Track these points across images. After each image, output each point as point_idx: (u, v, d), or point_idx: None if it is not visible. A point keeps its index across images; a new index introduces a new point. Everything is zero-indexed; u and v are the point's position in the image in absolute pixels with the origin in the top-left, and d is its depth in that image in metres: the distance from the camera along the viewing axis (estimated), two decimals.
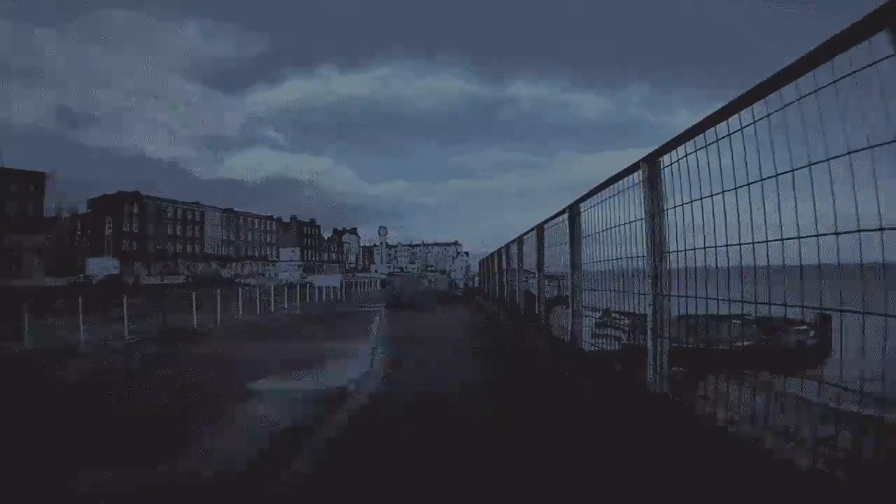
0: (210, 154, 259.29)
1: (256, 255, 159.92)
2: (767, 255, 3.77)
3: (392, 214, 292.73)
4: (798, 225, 3.45)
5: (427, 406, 9.93)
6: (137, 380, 13.90)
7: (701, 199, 4.65)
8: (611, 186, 7.06)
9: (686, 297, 4.99)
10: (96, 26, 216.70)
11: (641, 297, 5.87)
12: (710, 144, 4.50)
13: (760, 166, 3.83)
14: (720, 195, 4.36)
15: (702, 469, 4.39)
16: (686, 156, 4.93)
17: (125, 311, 20.96)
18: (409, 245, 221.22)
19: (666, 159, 5.41)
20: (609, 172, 7.00)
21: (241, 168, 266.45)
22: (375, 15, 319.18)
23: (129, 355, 17.30)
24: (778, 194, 3.68)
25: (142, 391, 12.25)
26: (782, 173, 3.61)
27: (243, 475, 6.62)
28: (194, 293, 27.33)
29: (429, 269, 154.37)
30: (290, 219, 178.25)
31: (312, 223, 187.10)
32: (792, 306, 3.67)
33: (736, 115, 4.14)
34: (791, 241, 3.53)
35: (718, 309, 4.46)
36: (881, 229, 2.85)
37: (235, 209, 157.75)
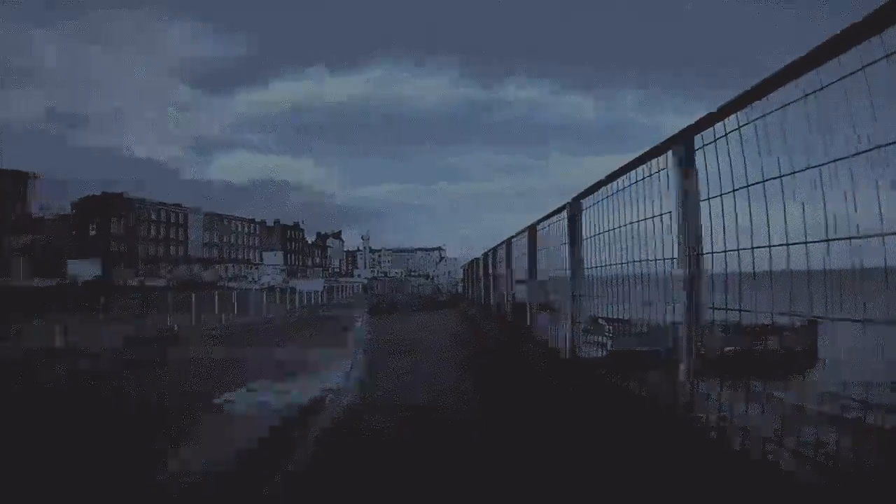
0: (196, 155, 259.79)
1: (240, 258, 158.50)
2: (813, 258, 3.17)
3: (380, 217, 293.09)
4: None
5: (405, 427, 8.84)
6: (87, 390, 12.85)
7: (748, 186, 3.75)
8: (621, 178, 6.04)
9: (735, 309, 3.89)
10: (85, 27, 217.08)
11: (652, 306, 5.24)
12: (759, 118, 3.64)
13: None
14: (760, 184, 3.63)
15: None
16: (726, 134, 4.03)
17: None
18: (393, 250, 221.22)
19: (699, 139, 4.44)
20: (603, 175, 6.54)
21: (227, 170, 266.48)
22: (367, 16, 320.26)
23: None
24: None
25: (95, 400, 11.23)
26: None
27: None
28: (170, 297, 26.57)
29: (412, 274, 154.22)
30: (274, 222, 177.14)
31: (296, 227, 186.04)
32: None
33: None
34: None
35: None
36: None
37: (219, 212, 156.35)
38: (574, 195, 8.15)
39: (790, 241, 3.32)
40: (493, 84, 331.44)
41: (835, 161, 2.90)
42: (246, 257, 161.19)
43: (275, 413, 9.73)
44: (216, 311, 31.05)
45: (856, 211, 2.78)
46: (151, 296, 29.82)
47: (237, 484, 6.24)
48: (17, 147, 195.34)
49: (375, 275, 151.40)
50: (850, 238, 2.84)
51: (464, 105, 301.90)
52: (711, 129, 4.23)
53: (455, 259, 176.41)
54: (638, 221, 5.51)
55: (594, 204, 7.21)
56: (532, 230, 11.55)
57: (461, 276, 48.37)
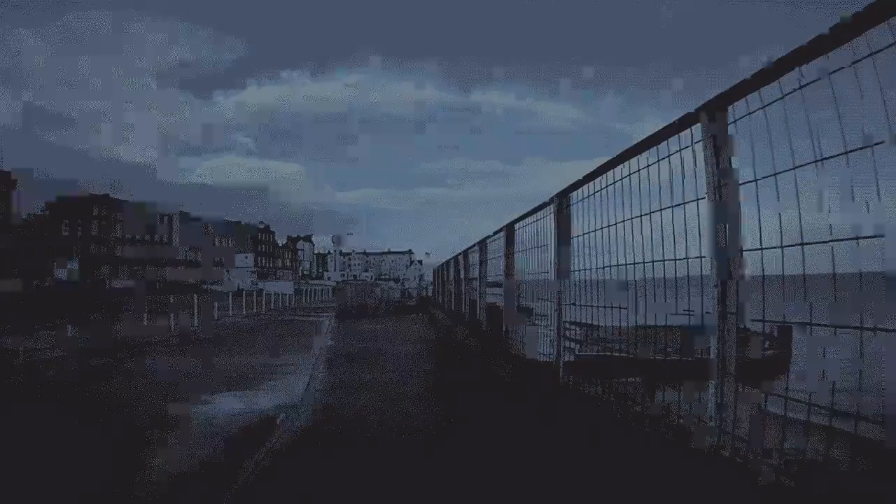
0: (180, 159, 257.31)
1: (217, 260, 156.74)
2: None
3: (357, 222, 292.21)
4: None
5: (365, 450, 7.84)
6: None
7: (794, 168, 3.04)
8: (625, 163, 5.18)
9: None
10: (68, 27, 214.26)
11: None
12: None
13: None
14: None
15: None
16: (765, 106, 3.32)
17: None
18: (364, 253, 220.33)
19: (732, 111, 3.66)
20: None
21: (210, 173, 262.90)
22: (348, 22, 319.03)
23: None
24: None
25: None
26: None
27: None
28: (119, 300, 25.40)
29: (382, 277, 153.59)
30: (246, 225, 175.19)
31: (267, 229, 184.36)
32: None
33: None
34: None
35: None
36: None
37: (192, 214, 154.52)
38: (561, 188, 7.28)
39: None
40: (471, 90, 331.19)
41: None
42: (219, 259, 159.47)
43: (207, 440, 8.64)
44: (175, 315, 29.85)
45: None
46: (125, 298, 28.43)
47: None
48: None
49: (346, 278, 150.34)
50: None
51: (441, 111, 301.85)
52: (744, 100, 3.49)
53: (421, 263, 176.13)
54: (649, 214, 4.59)
55: (588, 196, 6.28)
56: (510, 229, 10.65)
57: (431, 279, 47.29)
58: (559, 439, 6.24)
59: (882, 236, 2.49)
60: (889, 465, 2.74)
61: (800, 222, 3.00)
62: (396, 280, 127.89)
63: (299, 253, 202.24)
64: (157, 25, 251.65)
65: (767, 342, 17.23)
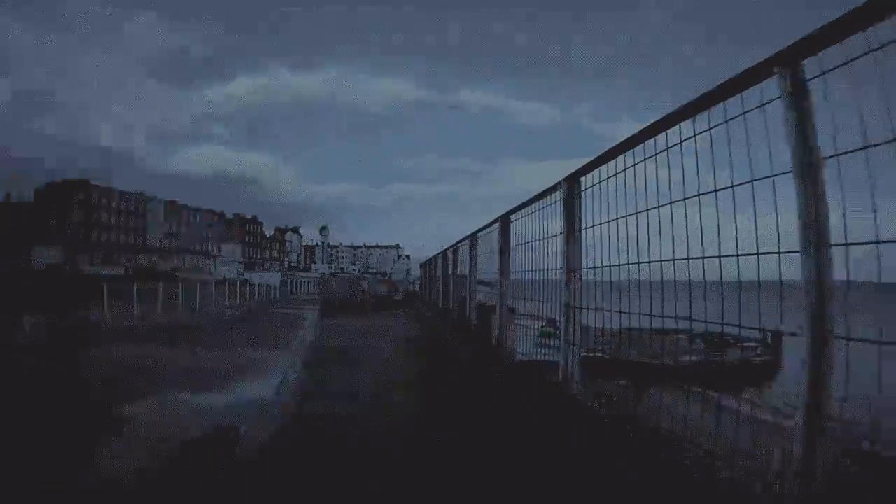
0: (159, 147, 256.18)
1: (199, 249, 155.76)
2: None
3: (336, 215, 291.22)
4: None
5: (339, 469, 6.73)
6: None
7: None
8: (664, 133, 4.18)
9: None
10: (50, 14, 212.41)
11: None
12: None
13: None
14: None
15: None
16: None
17: None
18: (351, 246, 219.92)
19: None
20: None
21: (189, 162, 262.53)
22: (328, 16, 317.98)
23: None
24: None
25: None
26: None
27: None
28: (105, 286, 24.34)
29: (369, 270, 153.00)
30: (234, 215, 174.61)
31: (255, 220, 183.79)
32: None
33: None
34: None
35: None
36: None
37: (180, 202, 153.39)
38: (572, 171, 6.25)
39: None
40: (448, 88, 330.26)
41: None
42: (205, 249, 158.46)
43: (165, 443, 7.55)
44: (159, 303, 28.91)
45: None
46: (100, 285, 27.45)
47: None
48: None
49: (333, 270, 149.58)
50: None
51: (418, 107, 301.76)
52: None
53: (409, 257, 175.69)
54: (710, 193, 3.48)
55: (607, 178, 5.21)
56: (505, 221, 9.52)
57: (418, 274, 46.27)
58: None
59: None
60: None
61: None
62: (383, 274, 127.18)
63: (287, 244, 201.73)
64: (138, 14, 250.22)
65: (760, 348, 16.94)
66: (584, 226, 6.05)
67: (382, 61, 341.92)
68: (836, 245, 2.60)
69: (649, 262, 4.21)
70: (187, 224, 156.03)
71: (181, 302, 31.43)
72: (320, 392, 11.49)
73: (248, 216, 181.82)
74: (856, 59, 2.47)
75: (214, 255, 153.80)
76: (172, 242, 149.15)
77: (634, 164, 4.70)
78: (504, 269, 9.53)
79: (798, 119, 2.70)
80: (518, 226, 8.89)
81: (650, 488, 3.91)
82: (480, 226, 11.00)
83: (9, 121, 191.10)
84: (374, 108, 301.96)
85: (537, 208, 7.63)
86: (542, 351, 7.52)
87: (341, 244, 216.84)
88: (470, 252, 13.00)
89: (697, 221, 3.55)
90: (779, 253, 2.87)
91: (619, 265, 4.87)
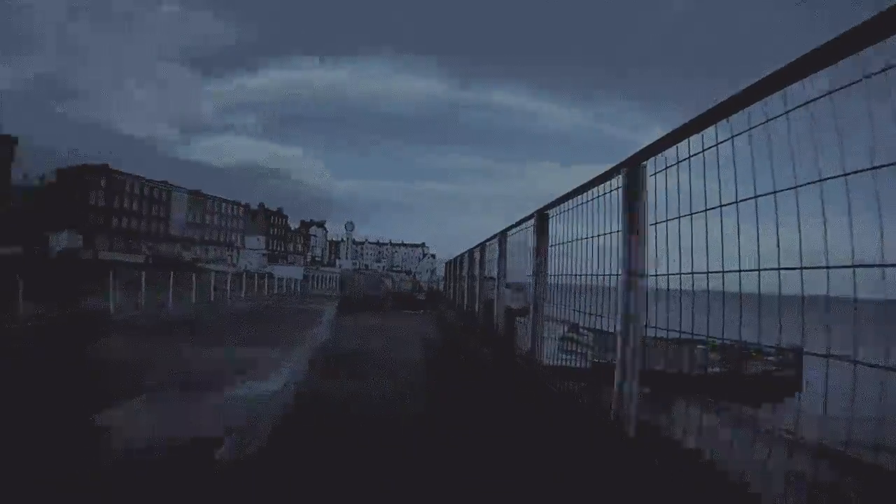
0: (183, 136, 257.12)
1: (222, 240, 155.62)
2: None
3: (362, 211, 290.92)
4: None
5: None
6: None
7: None
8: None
9: None
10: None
11: None
12: None
13: None
14: None
15: None
16: None
17: None
18: (377, 243, 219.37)
19: None
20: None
21: (213, 152, 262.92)
22: (358, 10, 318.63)
23: None
24: None
25: None
26: None
27: None
28: (110, 274, 23.31)
29: (394, 268, 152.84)
30: (258, 206, 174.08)
31: (280, 212, 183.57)
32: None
33: None
34: None
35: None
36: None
37: (204, 192, 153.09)
38: (634, 153, 5.03)
39: None
40: (477, 87, 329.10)
41: None
42: (228, 240, 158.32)
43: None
44: (170, 294, 27.91)
45: None
46: (114, 272, 26.62)
47: None
48: (3, 114, 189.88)
49: (357, 267, 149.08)
50: None
51: (445, 106, 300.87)
52: None
53: (434, 257, 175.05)
54: None
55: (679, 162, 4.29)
56: (541, 216, 8.20)
57: (443, 273, 45.07)
58: None
59: None
60: None
61: None
62: (408, 272, 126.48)
63: (312, 238, 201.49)
64: (167, 4, 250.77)
65: (780, 364, 16.17)
66: (650, 221, 4.84)
67: (412, 59, 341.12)
68: None
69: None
70: (211, 214, 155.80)
71: (194, 293, 30.35)
72: (324, 399, 10.15)
73: (274, 209, 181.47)
74: None
75: (238, 247, 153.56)
76: (195, 232, 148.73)
77: (718, 143, 3.71)
78: (539, 271, 8.18)
79: None
80: (558, 223, 7.57)
81: None
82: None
83: (32, 105, 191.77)
84: (404, 105, 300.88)
85: (584, 201, 6.40)
86: (564, 357, 7.25)
87: (367, 240, 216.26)
88: (499, 251, 11.67)
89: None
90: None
91: (706, 272, 3.73)
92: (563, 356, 7.32)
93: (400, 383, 11.62)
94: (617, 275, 5.12)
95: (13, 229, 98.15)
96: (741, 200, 3.33)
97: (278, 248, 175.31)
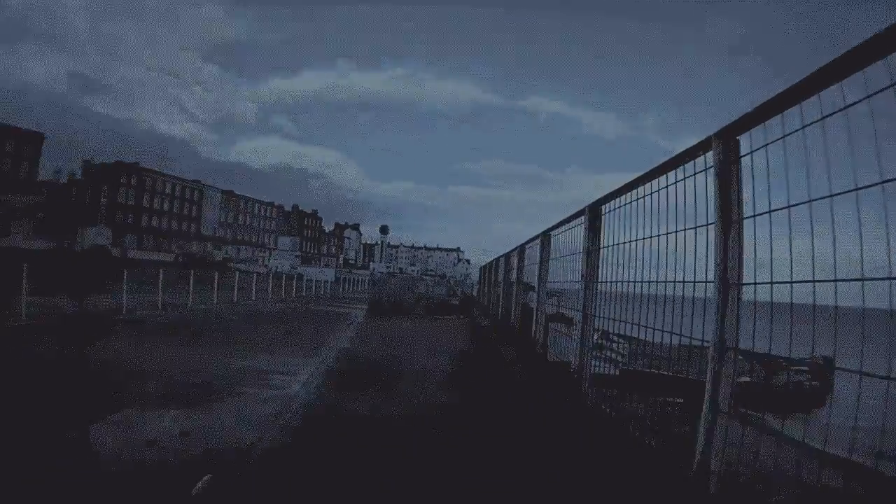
0: (220, 136, 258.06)
1: (254, 241, 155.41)
2: None
3: (397, 214, 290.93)
4: None
5: None
6: None
7: None
8: None
9: None
10: None
11: None
12: None
13: None
14: None
15: None
16: None
17: None
18: (412, 247, 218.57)
19: None
20: None
21: (249, 153, 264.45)
22: (396, 14, 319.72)
23: None
24: None
25: None
26: None
27: None
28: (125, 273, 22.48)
29: (428, 272, 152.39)
30: (292, 208, 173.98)
31: (314, 214, 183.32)
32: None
33: None
34: None
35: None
36: None
37: (237, 192, 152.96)
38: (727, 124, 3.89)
39: None
40: (516, 93, 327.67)
41: None
42: (260, 241, 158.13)
43: None
44: (189, 293, 27.06)
45: None
46: (139, 270, 25.89)
47: None
48: (39, 111, 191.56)
49: (391, 270, 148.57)
50: None
51: (484, 111, 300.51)
52: None
53: (468, 262, 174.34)
54: None
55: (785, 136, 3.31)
56: (594, 212, 6.95)
57: (477, 279, 43.87)
58: None
59: None
60: None
61: None
62: (442, 276, 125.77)
63: (345, 241, 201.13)
64: (207, 4, 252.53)
65: (809, 375, 17.04)
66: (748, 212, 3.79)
67: (450, 63, 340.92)
68: None
69: None
70: (244, 214, 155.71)
71: (215, 294, 29.37)
72: (337, 416, 8.87)
73: (308, 210, 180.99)
74: None
75: (270, 248, 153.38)
76: (227, 232, 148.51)
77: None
78: (589, 276, 6.89)
79: None
80: (614, 219, 6.38)
81: None
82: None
83: (66, 102, 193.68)
84: (442, 109, 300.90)
85: (649, 191, 5.24)
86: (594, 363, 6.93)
87: (401, 244, 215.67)
88: (540, 254, 10.37)
89: None
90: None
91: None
92: (594, 363, 6.87)
93: (424, 401, 10.29)
94: (697, 282, 4.11)
95: (42, 225, 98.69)
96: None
97: (312, 250, 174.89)
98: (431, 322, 29.71)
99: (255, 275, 40.10)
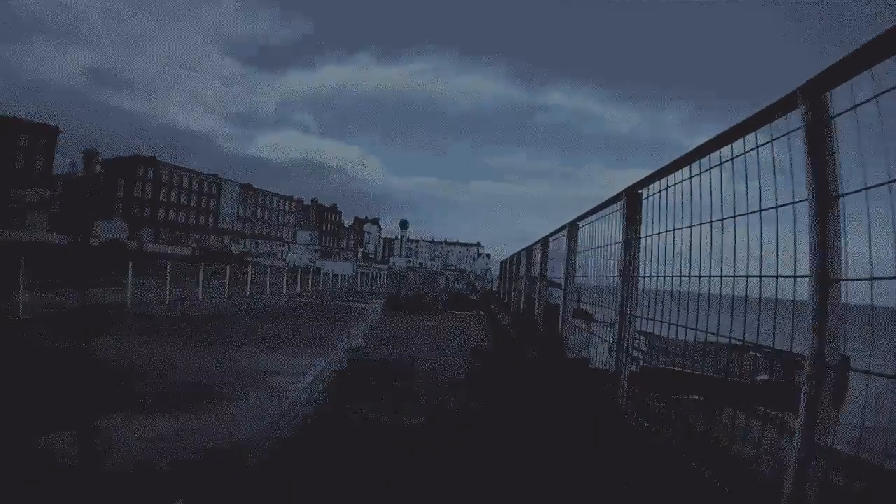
0: (239, 131, 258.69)
1: (273, 234, 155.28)
2: None
3: (417, 209, 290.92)
4: None
5: None
6: None
7: None
8: None
9: None
10: None
11: None
12: None
13: None
14: None
15: None
16: None
17: None
18: (432, 241, 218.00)
19: None
20: None
21: (269, 147, 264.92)
22: (416, 8, 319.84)
23: None
24: None
25: None
26: None
27: None
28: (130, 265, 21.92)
29: (448, 267, 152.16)
30: (312, 202, 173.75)
31: (334, 208, 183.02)
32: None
33: None
34: None
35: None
36: None
37: (255, 186, 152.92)
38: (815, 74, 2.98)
39: None
40: (537, 88, 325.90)
41: None
42: (279, 234, 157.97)
43: None
44: (200, 288, 26.58)
45: None
46: (155, 263, 25.38)
47: None
48: (59, 105, 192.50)
49: (411, 264, 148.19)
50: None
51: (505, 106, 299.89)
52: None
53: (489, 257, 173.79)
54: None
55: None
56: (633, 196, 5.95)
57: (497, 274, 43.05)
58: None
59: None
60: None
61: None
62: (462, 271, 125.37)
63: (365, 235, 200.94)
64: None
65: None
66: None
67: (471, 59, 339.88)
68: None
69: None
70: (262, 208, 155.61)
71: (227, 287, 28.70)
72: (340, 424, 7.98)
73: (328, 204, 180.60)
74: None
75: (289, 242, 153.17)
76: (245, 226, 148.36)
77: None
78: (628, 270, 5.96)
79: None
80: (658, 203, 5.28)
81: None
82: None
83: (84, 97, 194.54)
84: (459, 104, 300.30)
85: (706, 167, 4.21)
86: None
87: (421, 239, 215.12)
88: (567, 246, 9.41)
89: None
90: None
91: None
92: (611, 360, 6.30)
93: (447, 394, 9.47)
94: (784, 277, 3.28)
95: (57, 217, 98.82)
96: None
97: (331, 245, 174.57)
98: (450, 318, 28.78)
99: (269, 268, 39.33)
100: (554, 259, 11.36)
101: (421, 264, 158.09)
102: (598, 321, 7.26)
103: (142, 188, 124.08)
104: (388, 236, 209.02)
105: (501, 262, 32.84)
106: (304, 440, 7.32)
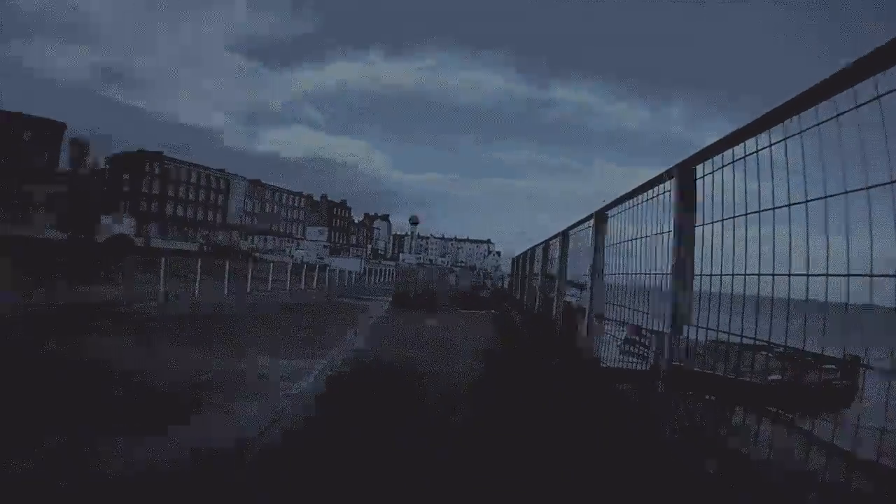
0: (247, 127, 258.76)
1: (282, 230, 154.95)
2: None
3: (427, 205, 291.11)
4: None
5: None
6: None
7: None
8: None
9: None
10: None
11: None
12: None
13: None
14: None
15: None
16: None
17: None
18: (442, 238, 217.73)
19: None
20: None
21: (277, 143, 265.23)
22: (424, 4, 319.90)
23: None
24: None
25: None
26: None
27: None
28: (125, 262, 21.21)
29: (458, 264, 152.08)
30: (321, 198, 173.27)
31: (343, 204, 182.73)
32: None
33: None
34: None
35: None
36: None
37: (264, 181, 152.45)
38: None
39: None
40: (544, 84, 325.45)
41: None
42: (288, 230, 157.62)
43: None
44: (196, 283, 26.32)
45: None
46: (160, 260, 24.54)
47: None
48: (68, 102, 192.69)
49: (421, 261, 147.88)
50: None
51: (512, 102, 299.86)
52: None
53: (499, 254, 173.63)
54: None
55: None
56: (685, 173, 4.82)
57: (508, 271, 42.14)
58: None
59: None
60: None
61: None
62: (472, 268, 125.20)
63: (375, 231, 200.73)
64: None
65: (839, 372, 14.92)
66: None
67: (478, 54, 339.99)
68: None
69: None
70: (271, 204, 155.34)
71: (225, 284, 27.80)
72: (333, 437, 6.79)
73: (337, 200, 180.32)
74: None
75: (298, 238, 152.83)
76: (254, 222, 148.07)
77: None
78: (679, 268, 4.75)
79: None
80: (718, 181, 4.27)
81: None
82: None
83: (92, 92, 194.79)
84: (468, 100, 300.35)
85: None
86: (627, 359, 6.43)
87: (431, 235, 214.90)
88: (595, 241, 8.14)
89: None
90: None
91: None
92: (624, 358, 6.49)
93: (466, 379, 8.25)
94: None
95: (63, 213, 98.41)
96: None
97: (341, 241, 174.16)
98: (459, 318, 27.40)
99: (271, 264, 38.41)
100: (574, 255, 10.30)
101: (431, 261, 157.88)
102: (608, 319, 7.25)
103: (149, 184, 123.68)
104: (399, 233, 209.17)
105: (513, 259, 31.85)
106: (277, 465, 6.11)
